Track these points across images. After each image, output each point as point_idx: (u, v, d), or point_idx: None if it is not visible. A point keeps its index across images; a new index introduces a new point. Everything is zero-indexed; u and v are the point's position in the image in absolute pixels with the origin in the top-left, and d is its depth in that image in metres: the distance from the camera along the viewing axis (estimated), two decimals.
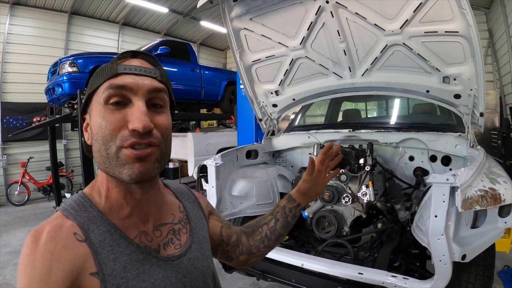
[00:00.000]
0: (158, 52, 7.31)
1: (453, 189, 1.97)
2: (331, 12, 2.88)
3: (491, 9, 10.47)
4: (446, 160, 3.19)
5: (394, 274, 2.20)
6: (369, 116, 5.62)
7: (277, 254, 2.57)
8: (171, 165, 10.94)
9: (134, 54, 0.91)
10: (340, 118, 4.94)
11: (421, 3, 2.57)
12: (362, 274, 2.21)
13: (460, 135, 3.08)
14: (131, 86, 0.81)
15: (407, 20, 2.70)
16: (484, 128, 9.12)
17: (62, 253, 0.73)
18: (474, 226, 2.12)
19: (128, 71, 0.83)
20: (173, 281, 0.88)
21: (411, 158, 3.42)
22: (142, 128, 0.77)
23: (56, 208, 0.85)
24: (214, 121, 11.89)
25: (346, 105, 5.25)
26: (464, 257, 2.00)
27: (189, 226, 1.03)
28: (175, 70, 8.00)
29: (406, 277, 2.17)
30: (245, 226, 1.32)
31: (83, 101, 0.91)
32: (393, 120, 4.25)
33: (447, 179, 1.99)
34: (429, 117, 4.09)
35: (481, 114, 2.93)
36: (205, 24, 13.85)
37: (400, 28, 2.76)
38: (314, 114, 7.27)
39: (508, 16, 9.13)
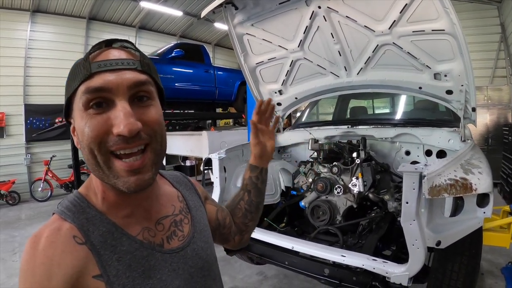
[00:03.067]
0: (172, 54, 7.52)
1: (422, 178, 2.05)
2: (323, 16, 3.04)
3: (503, 3, 10.23)
4: (443, 155, 3.26)
5: (374, 258, 2.33)
6: (375, 112, 5.74)
7: (273, 238, 2.76)
8: (188, 163, 11.15)
9: (108, 42, 0.81)
10: (348, 115, 5.08)
11: (406, 4, 2.67)
12: (344, 256, 2.35)
13: (455, 129, 3.17)
14: (109, 86, 0.74)
15: (394, 20, 2.81)
16: (497, 124, 9.02)
17: (62, 258, 0.70)
18: (454, 214, 2.22)
19: (103, 68, 0.75)
20: (180, 273, 0.87)
21: (407, 153, 3.55)
22: (127, 132, 0.72)
23: (53, 211, 0.82)
24: (231, 120, 12.09)
25: (353, 103, 5.40)
26: (439, 243, 2.11)
27: (190, 216, 1.00)
28: (190, 71, 8.19)
29: (385, 261, 2.29)
30: (225, 207, 1.31)
31: (64, 105, 0.83)
32: (392, 116, 4.40)
33: (416, 168, 2.10)
34: (427, 113, 4.17)
35: (473, 109, 2.96)
36: (219, 25, 14.02)
37: (389, 28, 2.87)
38: (327, 111, 7.40)
39: None
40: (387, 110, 5.21)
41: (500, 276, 3.65)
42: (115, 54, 0.79)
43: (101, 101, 0.74)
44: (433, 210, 2.22)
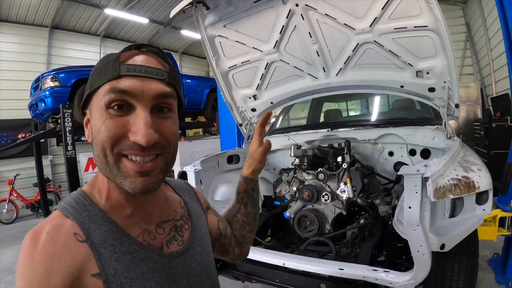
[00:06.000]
0: None
1: (425, 180, 1.97)
2: (301, 14, 2.91)
3: (467, 3, 10.68)
4: (426, 153, 3.23)
5: (375, 268, 2.21)
6: (350, 114, 5.68)
7: (260, 255, 2.58)
8: None
9: (139, 46, 0.83)
10: (322, 119, 4.96)
11: (388, 0, 2.59)
12: (342, 269, 2.22)
13: (437, 127, 3.12)
14: (134, 92, 0.75)
15: (376, 18, 2.72)
16: (467, 120, 9.22)
17: (62, 254, 0.70)
18: (453, 215, 2.13)
19: (132, 72, 0.75)
20: (178, 278, 0.87)
21: (391, 153, 3.46)
22: (145, 143, 0.73)
23: (55, 207, 0.82)
24: (200, 130, 11.91)
25: (327, 106, 5.29)
26: (443, 246, 2.00)
27: (191, 222, 1.01)
28: None
29: (387, 270, 2.17)
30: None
31: (84, 96, 0.83)
32: (371, 117, 4.32)
33: (418, 170, 2.00)
34: (407, 112, 4.13)
35: (456, 106, 2.94)
36: (185, 33, 13.95)
37: (370, 26, 2.79)
38: (298, 116, 7.30)
39: (484, 9, 9.29)
40: (365, 111, 5.13)
41: (488, 269, 3.62)
42: (146, 61, 0.80)
43: (123, 104, 0.75)
44: (436, 212, 2.12)
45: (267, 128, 4.71)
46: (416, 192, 2.00)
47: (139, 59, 0.79)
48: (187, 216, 1.02)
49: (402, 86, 3.19)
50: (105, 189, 0.84)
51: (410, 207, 2.01)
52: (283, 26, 3.06)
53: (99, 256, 0.74)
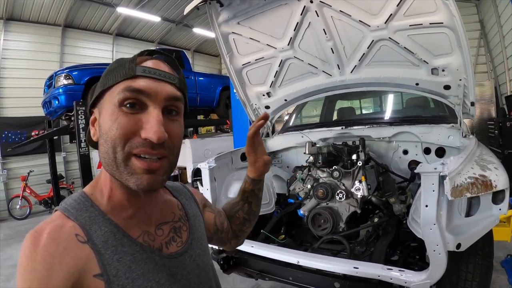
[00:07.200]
0: None
1: (442, 178, 1.94)
2: (316, 11, 2.88)
3: (481, 1, 10.51)
4: (441, 152, 3.18)
5: (390, 267, 2.18)
6: (363, 112, 5.64)
7: (274, 253, 2.57)
8: None
9: (152, 53, 0.88)
10: (335, 117, 4.93)
11: None
12: (357, 268, 2.20)
13: (452, 126, 3.07)
14: (149, 92, 0.78)
15: (391, 14, 2.69)
16: (481, 119, 9.10)
17: (63, 255, 0.70)
18: (468, 214, 2.10)
19: (147, 74, 0.80)
20: (178, 278, 0.88)
21: (405, 152, 3.41)
22: (156, 139, 0.75)
23: (55, 208, 0.82)
24: (212, 127, 11.92)
25: (341, 104, 5.26)
26: (459, 246, 1.98)
27: (188, 224, 1.03)
28: None
29: (402, 269, 2.15)
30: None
31: (94, 95, 0.86)
32: (385, 115, 4.28)
33: (435, 168, 1.97)
34: (422, 110, 4.08)
35: (472, 104, 2.89)
36: (197, 31, 13.99)
37: (385, 23, 2.75)
38: (310, 114, 7.27)
39: (498, 6, 9.16)
40: (379, 109, 5.09)
41: (501, 270, 3.57)
42: (160, 65, 0.84)
43: (135, 103, 0.78)
44: (452, 211, 2.08)
45: (279, 127, 4.70)
46: (433, 191, 1.96)
47: (152, 64, 0.83)
48: (185, 217, 1.04)
49: (417, 84, 3.15)
50: (107, 189, 0.85)
51: (426, 206, 1.98)
52: (298, 23, 3.03)
53: (100, 257, 0.75)
